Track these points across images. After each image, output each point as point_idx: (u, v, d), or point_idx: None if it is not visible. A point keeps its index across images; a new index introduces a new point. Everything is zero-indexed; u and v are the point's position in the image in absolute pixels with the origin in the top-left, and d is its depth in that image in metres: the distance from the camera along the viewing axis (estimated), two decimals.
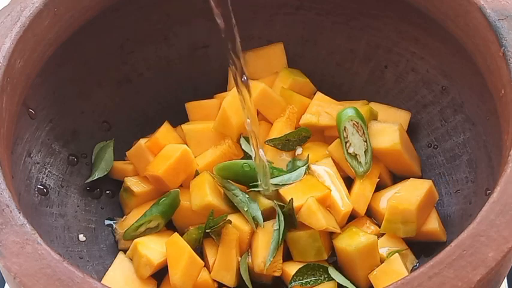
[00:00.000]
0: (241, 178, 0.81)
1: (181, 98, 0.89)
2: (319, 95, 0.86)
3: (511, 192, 0.62)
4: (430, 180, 0.80)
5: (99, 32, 0.82)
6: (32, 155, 0.79)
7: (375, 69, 0.88)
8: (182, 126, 0.87)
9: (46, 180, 0.81)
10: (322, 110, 0.84)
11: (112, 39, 0.85)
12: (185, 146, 0.83)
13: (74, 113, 0.85)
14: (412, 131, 0.86)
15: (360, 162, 0.81)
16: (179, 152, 0.82)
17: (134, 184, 0.84)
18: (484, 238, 0.59)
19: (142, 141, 0.85)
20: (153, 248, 0.78)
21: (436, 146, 0.85)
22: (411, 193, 0.78)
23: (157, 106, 0.90)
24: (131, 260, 0.79)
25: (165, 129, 0.86)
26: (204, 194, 0.80)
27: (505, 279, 0.85)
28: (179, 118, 0.88)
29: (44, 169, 0.81)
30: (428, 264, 0.58)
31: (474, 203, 0.78)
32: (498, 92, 0.71)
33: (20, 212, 0.63)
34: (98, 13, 0.81)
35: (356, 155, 0.81)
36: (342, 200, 0.80)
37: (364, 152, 0.81)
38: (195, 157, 0.84)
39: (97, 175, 0.85)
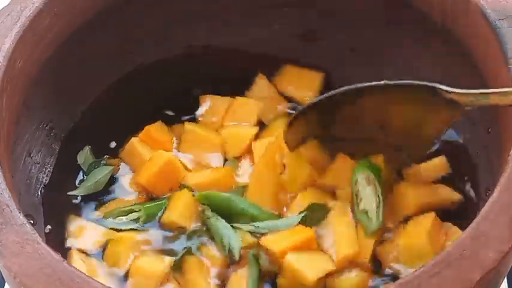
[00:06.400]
0: (223, 212, 0.77)
1: (182, 99, 0.89)
2: (341, 156, 0.80)
3: (511, 192, 0.62)
4: (433, 213, 0.76)
5: (100, 31, 0.82)
6: (32, 155, 0.79)
7: (375, 68, 0.88)
8: (185, 123, 0.86)
9: (46, 180, 0.81)
10: (344, 175, 0.79)
11: (112, 39, 0.85)
12: (171, 154, 0.82)
13: (74, 113, 0.85)
14: None
15: (371, 218, 0.75)
16: (162, 161, 0.81)
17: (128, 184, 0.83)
18: (484, 238, 0.59)
19: (134, 140, 0.84)
20: (129, 254, 0.77)
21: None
22: (416, 228, 0.75)
23: (158, 106, 0.90)
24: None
25: (156, 126, 0.85)
26: (171, 211, 0.78)
27: (505, 279, 0.85)
28: (179, 118, 0.88)
29: (44, 169, 0.81)
30: (428, 264, 0.58)
31: (474, 203, 0.78)
32: None
33: (20, 212, 0.63)
34: (98, 13, 0.81)
35: (367, 211, 0.75)
36: (337, 244, 0.74)
37: (376, 207, 0.75)
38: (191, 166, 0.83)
39: (80, 192, 0.82)
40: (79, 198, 0.82)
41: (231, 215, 0.77)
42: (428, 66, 0.84)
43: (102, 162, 0.84)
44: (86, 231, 0.79)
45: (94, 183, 0.82)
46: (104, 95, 0.87)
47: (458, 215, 0.78)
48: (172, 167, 0.81)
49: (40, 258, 0.60)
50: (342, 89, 0.76)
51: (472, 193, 0.79)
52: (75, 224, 0.80)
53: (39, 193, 0.80)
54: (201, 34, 0.89)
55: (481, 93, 0.69)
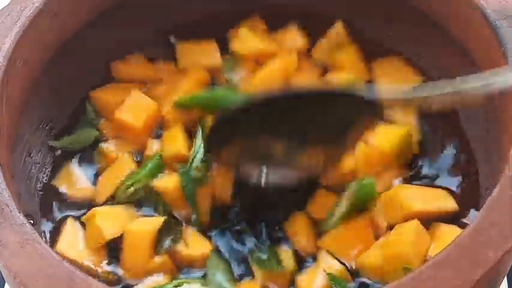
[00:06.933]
0: (210, 103, 0.81)
1: None
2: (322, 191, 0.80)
3: (511, 192, 0.62)
4: (416, 220, 0.74)
5: (100, 32, 0.82)
6: (32, 155, 0.79)
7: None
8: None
9: (46, 180, 0.81)
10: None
11: (113, 39, 0.85)
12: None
13: (74, 113, 0.85)
14: None
15: (329, 219, 0.76)
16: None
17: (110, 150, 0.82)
18: (483, 237, 0.59)
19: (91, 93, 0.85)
20: (110, 222, 0.76)
21: None
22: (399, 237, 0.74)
23: None
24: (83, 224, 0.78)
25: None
26: (172, 145, 0.79)
27: (505, 279, 0.85)
28: None
29: (44, 169, 0.81)
30: (426, 264, 0.58)
31: (474, 203, 0.78)
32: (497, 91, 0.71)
33: (19, 212, 0.63)
34: (98, 13, 0.81)
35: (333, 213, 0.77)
36: None
37: (339, 217, 0.76)
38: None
39: (60, 144, 0.82)
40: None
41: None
42: (429, 66, 0.84)
43: (94, 122, 0.84)
44: (78, 181, 0.81)
45: (76, 140, 0.83)
46: (104, 94, 0.87)
47: (458, 215, 0.78)
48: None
49: (40, 258, 0.61)
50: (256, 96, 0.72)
51: (472, 193, 0.79)
52: (72, 172, 0.81)
53: (39, 193, 0.80)
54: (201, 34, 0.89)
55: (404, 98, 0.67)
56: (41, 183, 0.80)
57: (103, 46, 0.84)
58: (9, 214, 0.63)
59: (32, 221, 0.74)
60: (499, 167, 0.68)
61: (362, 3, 0.85)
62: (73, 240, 0.76)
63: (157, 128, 0.83)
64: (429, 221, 0.75)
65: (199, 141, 0.79)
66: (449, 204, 0.76)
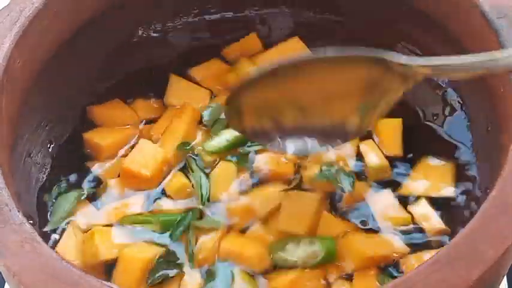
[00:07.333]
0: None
1: None
2: None
3: (510, 190, 0.62)
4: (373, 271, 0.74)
5: (100, 32, 0.83)
6: (32, 155, 0.79)
7: None
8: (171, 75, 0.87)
9: (46, 180, 0.81)
10: None
11: (113, 39, 0.85)
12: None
13: (74, 113, 0.85)
14: None
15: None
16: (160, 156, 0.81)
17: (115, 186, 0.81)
18: (483, 235, 0.59)
19: (85, 135, 0.84)
20: (109, 243, 0.76)
21: None
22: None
23: None
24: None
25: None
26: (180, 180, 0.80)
27: (505, 279, 0.85)
28: None
29: (43, 169, 0.81)
30: (426, 262, 0.58)
31: (475, 203, 0.78)
32: (497, 90, 0.71)
33: (19, 211, 0.63)
34: (98, 13, 0.81)
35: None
36: None
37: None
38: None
39: (50, 228, 0.78)
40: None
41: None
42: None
43: (62, 186, 0.81)
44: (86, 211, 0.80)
45: (65, 213, 0.79)
46: (105, 94, 0.87)
47: (458, 214, 0.78)
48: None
49: (39, 257, 0.60)
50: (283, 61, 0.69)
51: (471, 192, 0.79)
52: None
53: (38, 193, 0.80)
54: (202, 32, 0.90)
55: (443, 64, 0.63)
56: (40, 183, 0.80)
57: (103, 46, 0.85)
58: (8, 213, 0.63)
59: (31, 222, 0.75)
60: (498, 166, 0.67)
61: (363, 3, 0.85)
62: (72, 244, 0.76)
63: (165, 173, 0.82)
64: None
65: (198, 175, 0.80)
66: (397, 246, 0.75)
